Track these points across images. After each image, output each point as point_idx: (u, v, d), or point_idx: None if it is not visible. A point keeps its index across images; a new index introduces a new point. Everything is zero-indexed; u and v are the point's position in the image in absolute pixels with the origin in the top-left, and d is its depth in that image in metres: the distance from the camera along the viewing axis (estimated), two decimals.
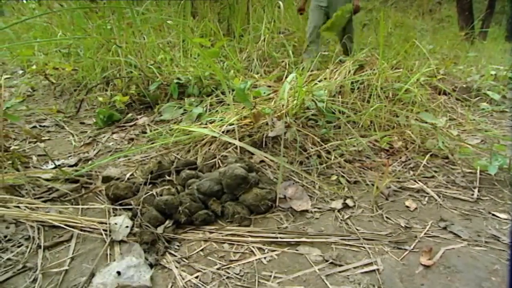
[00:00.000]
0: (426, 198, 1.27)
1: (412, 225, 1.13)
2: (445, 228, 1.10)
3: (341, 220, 1.14)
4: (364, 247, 1.02)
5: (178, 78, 2.07)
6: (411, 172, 1.46)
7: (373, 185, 1.34)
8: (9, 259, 0.94)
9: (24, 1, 4.62)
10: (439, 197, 1.28)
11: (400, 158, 1.57)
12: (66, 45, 2.76)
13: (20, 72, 2.80)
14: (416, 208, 1.22)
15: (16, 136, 1.82)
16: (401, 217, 1.17)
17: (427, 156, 1.50)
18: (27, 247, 0.98)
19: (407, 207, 1.23)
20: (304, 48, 2.89)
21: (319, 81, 1.92)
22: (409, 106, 1.85)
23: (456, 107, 2.15)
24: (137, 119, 1.98)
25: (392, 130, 1.70)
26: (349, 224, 1.12)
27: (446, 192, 1.31)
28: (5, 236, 1.00)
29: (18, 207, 1.13)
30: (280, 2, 3.18)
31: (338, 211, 1.18)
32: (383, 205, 1.24)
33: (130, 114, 2.02)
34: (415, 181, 1.38)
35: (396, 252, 1.00)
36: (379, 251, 1.01)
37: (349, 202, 1.23)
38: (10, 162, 1.35)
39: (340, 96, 1.84)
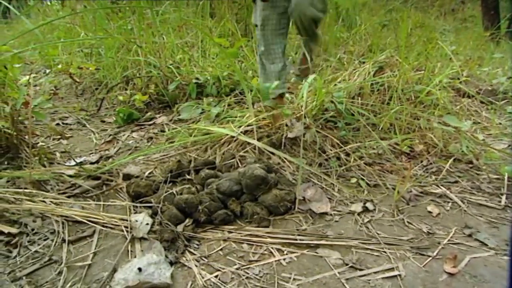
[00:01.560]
0: (450, 204, 1.24)
1: (434, 231, 1.09)
2: (470, 235, 1.07)
3: (361, 223, 1.12)
4: (385, 252, 1.00)
5: (197, 78, 2.09)
6: (433, 177, 1.42)
7: (393, 188, 1.31)
8: (36, 251, 0.97)
9: (49, 3, 4.78)
10: (464, 203, 1.23)
11: (422, 162, 1.53)
12: (88, 45, 2.84)
13: (47, 71, 2.90)
14: (439, 214, 1.18)
15: (40, 133, 1.88)
16: (423, 222, 1.14)
17: (450, 161, 1.46)
18: (52, 240, 1.01)
19: (430, 212, 1.19)
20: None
21: (338, 83, 1.90)
22: (430, 108, 1.80)
23: (480, 111, 2.08)
24: (156, 118, 2.01)
25: (413, 133, 1.66)
26: (369, 228, 1.10)
27: (471, 198, 1.26)
28: (33, 229, 1.03)
29: (44, 201, 1.17)
30: None
31: (358, 214, 1.16)
32: (404, 210, 1.21)
33: (149, 113, 2.06)
34: (437, 185, 1.35)
35: (418, 258, 0.98)
36: (400, 257, 0.99)
37: (369, 205, 1.21)
38: (37, 158, 1.40)
39: (359, 98, 1.81)
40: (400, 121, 1.67)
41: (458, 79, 2.20)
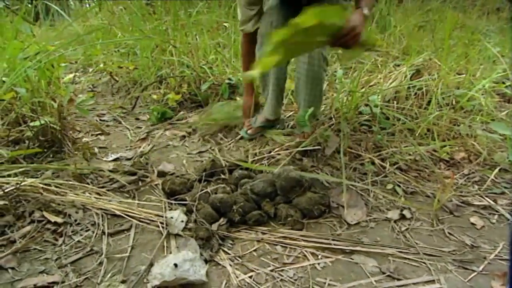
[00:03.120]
0: (496, 216, 1.16)
1: (479, 244, 1.03)
2: None
3: (398, 231, 1.08)
4: (424, 263, 0.96)
5: (229, 79, 2.11)
6: (476, 187, 1.34)
7: (429, 197, 1.26)
8: (79, 241, 1.01)
9: (88, 6, 5.04)
10: None
11: (462, 170, 1.45)
12: (124, 45, 2.96)
13: (90, 69, 3.04)
14: (483, 226, 1.12)
15: (80, 128, 1.98)
16: (466, 234, 1.08)
17: (496, 170, 1.37)
18: (93, 232, 1.06)
19: (473, 224, 1.13)
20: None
21: (373, 85, 1.85)
22: (472, 114, 1.71)
23: None
24: (188, 117, 2.05)
25: (453, 140, 1.58)
26: (407, 237, 1.06)
27: None
28: (75, 220, 1.09)
29: (85, 194, 1.22)
30: None
31: (395, 221, 1.12)
32: (444, 220, 1.15)
33: (181, 112, 2.10)
34: (481, 196, 1.27)
35: (461, 272, 0.93)
36: (441, 269, 0.94)
37: (406, 213, 1.16)
38: (80, 152, 1.47)
39: (395, 102, 1.75)
40: (439, 127, 1.60)
41: (503, 83, 2.07)
